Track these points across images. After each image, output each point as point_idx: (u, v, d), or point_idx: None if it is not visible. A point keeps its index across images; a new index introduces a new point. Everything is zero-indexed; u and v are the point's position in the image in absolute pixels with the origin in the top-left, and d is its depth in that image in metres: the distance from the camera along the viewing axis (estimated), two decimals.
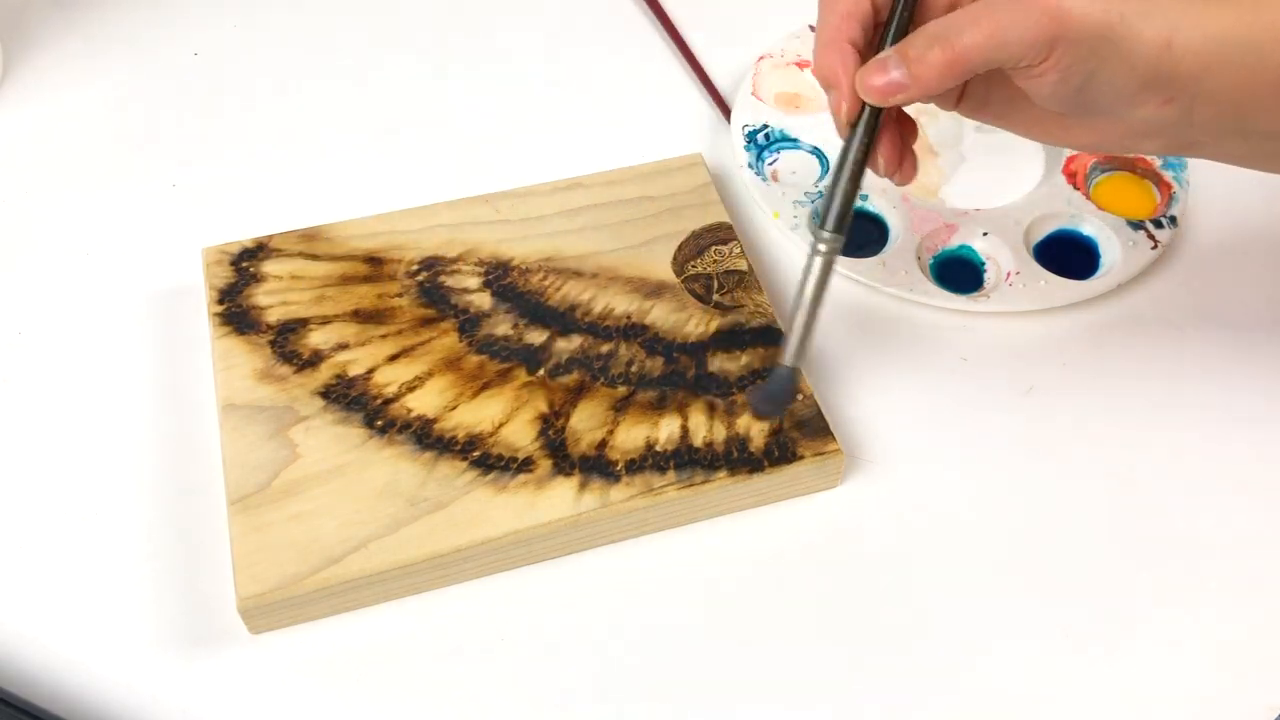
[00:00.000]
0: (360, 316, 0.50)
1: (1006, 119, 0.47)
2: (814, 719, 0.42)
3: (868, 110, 0.44)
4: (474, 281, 0.52)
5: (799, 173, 0.58)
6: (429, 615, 0.45)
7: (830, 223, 0.45)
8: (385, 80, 0.64)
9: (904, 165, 0.46)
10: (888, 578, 0.46)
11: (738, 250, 0.53)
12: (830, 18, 0.44)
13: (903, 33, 0.44)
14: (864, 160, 0.44)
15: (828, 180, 0.44)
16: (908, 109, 0.46)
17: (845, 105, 0.43)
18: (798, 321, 0.45)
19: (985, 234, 0.55)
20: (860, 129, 0.44)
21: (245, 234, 0.53)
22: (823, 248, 0.45)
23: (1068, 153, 0.58)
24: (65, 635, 0.44)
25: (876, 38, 0.45)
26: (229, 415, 0.47)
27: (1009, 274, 0.54)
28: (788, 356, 0.46)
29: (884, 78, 0.42)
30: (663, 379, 0.48)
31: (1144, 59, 0.41)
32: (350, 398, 0.48)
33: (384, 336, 0.50)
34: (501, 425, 0.47)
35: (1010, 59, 0.41)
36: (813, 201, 0.56)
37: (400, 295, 0.51)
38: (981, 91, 0.47)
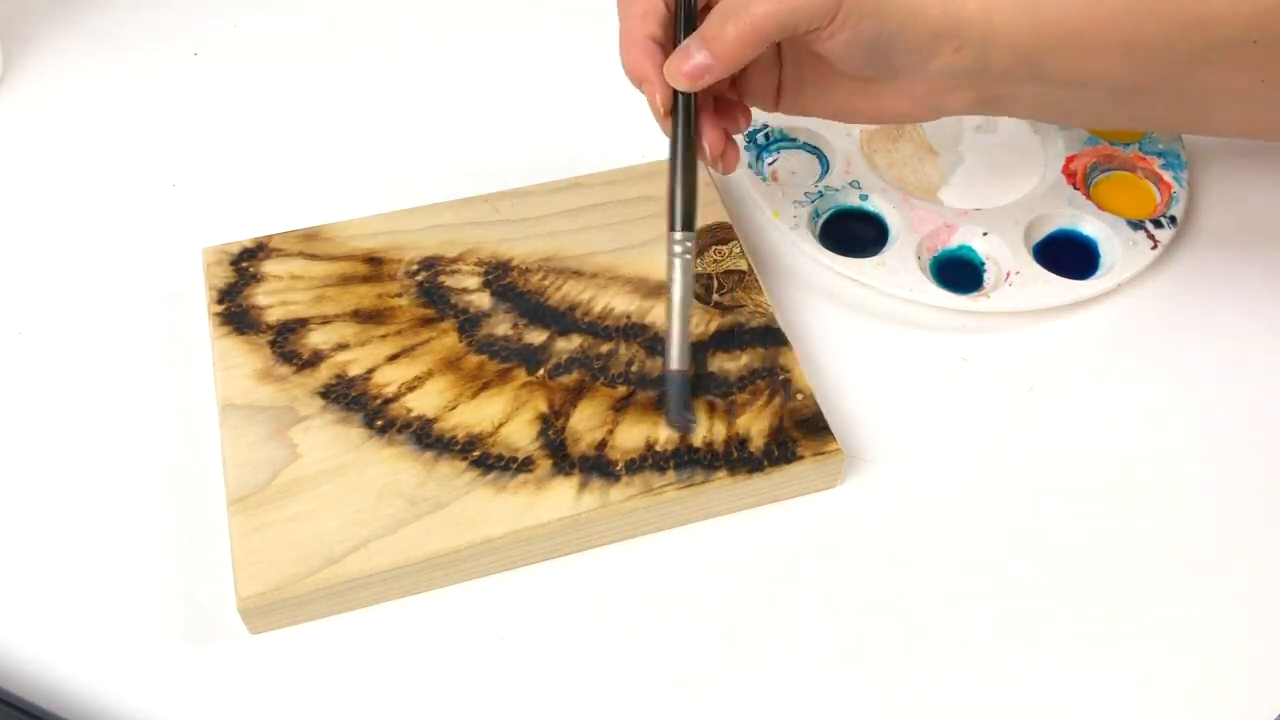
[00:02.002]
0: (360, 316, 0.50)
1: (822, 104, 0.50)
2: (814, 718, 0.42)
3: (681, 98, 0.46)
4: (474, 281, 0.52)
5: (799, 173, 0.58)
6: (429, 615, 0.45)
7: (679, 222, 0.46)
8: (385, 80, 0.64)
9: (726, 152, 0.48)
10: (888, 578, 0.46)
11: (738, 250, 0.53)
12: (629, 20, 0.46)
13: (691, 20, 0.46)
14: (691, 149, 0.46)
15: (668, 182, 0.47)
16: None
17: (660, 96, 0.46)
18: (676, 326, 0.46)
19: (985, 234, 0.55)
20: (680, 119, 0.46)
21: (245, 234, 0.53)
22: (678, 249, 0.46)
23: (1068, 152, 0.58)
24: (65, 635, 0.44)
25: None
26: (229, 415, 0.47)
27: (1009, 274, 0.54)
28: (674, 362, 0.46)
29: (689, 63, 0.44)
30: (663, 379, 0.48)
31: (928, 8, 0.43)
32: (350, 398, 0.48)
33: (384, 336, 0.50)
34: (501, 425, 0.47)
35: (801, 23, 0.43)
36: (813, 201, 0.56)
37: (400, 295, 0.51)
38: (795, 83, 0.49)
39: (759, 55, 0.45)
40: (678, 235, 0.46)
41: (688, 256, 0.46)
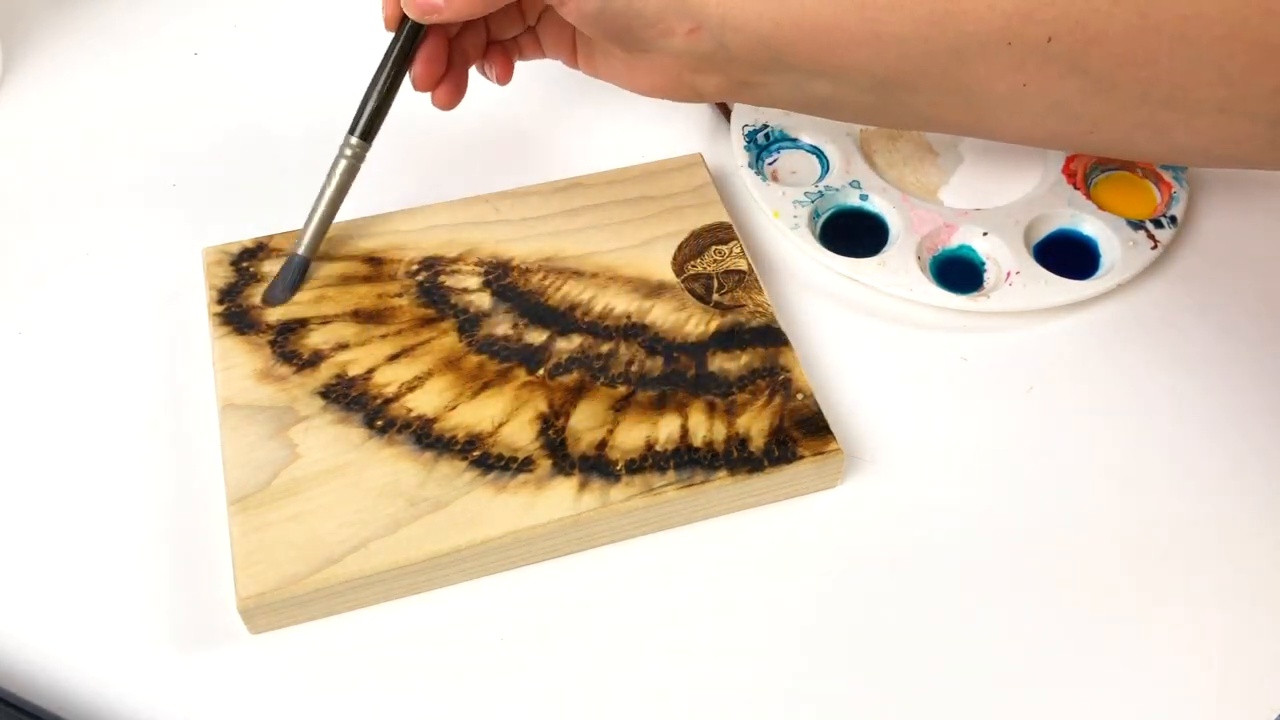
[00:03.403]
0: (360, 316, 0.50)
1: (607, 71, 0.51)
2: (813, 718, 0.42)
3: (409, 25, 0.48)
4: (474, 281, 0.52)
5: (799, 173, 0.58)
6: (429, 615, 0.45)
7: (359, 129, 0.50)
8: None
9: (444, 84, 0.50)
10: (888, 578, 0.46)
11: (738, 250, 0.53)
12: None
13: None
14: (397, 71, 0.49)
15: (365, 89, 0.50)
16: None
17: (387, 11, 0.48)
18: (317, 216, 0.50)
19: (985, 234, 0.55)
20: (400, 40, 0.49)
21: (245, 234, 0.53)
22: (349, 153, 0.50)
23: (1068, 152, 0.58)
24: (65, 635, 0.44)
25: None
26: (229, 415, 0.47)
27: (1009, 274, 0.54)
28: (303, 248, 0.50)
29: None
30: (663, 379, 0.48)
31: None
32: (350, 398, 0.48)
33: (384, 336, 0.50)
34: (501, 425, 0.47)
35: None
36: (813, 201, 0.56)
37: (400, 295, 0.51)
38: (586, 45, 0.51)
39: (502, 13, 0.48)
40: (353, 140, 0.50)
41: (356, 163, 0.50)
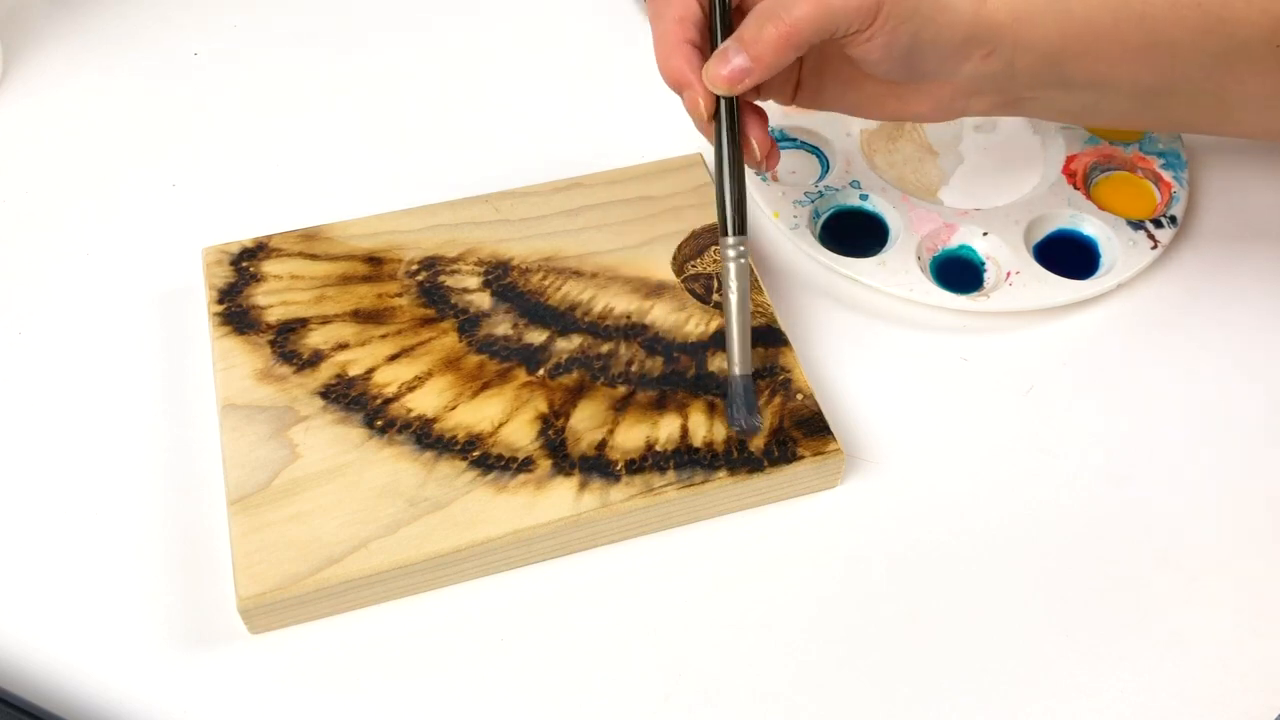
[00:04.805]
0: (360, 316, 0.50)
1: (843, 101, 0.49)
2: (813, 718, 0.42)
3: (723, 103, 0.46)
4: (474, 281, 0.52)
5: (799, 173, 0.58)
6: (429, 615, 0.45)
7: (731, 227, 0.46)
8: (385, 80, 0.64)
9: (772, 150, 0.48)
10: (888, 578, 0.46)
11: None
12: (664, 24, 0.46)
13: (727, 24, 0.46)
14: (737, 152, 0.46)
15: (715, 187, 0.47)
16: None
17: (702, 101, 0.45)
18: (736, 329, 0.46)
19: (985, 234, 0.55)
20: (723, 124, 0.46)
21: (245, 234, 0.53)
22: (732, 253, 0.46)
23: (1068, 152, 0.58)
24: (65, 635, 0.44)
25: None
26: (229, 415, 0.47)
27: (1009, 274, 0.54)
28: (736, 366, 0.46)
29: (728, 66, 0.44)
30: (663, 379, 0.48)
31: (961, 14, 0.44)
32: (350, 398, 0.48)
33: (384, 336, 0.50)
34: (501, 425, 0.47)
35: (839, 26, 0.43)
36: (813, 201, 0.56)
37: (400, 295, 0.51)
38: (815, 81, 0.49)
39: None
40: (730, 240, 0.46)
41: (742, 261, 0.46)
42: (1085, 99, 0.48)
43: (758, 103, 0.49)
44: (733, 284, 0.46)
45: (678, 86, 0.46)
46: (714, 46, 0.46)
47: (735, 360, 0.46)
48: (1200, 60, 0.45)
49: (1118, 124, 0.51)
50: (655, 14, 0.47)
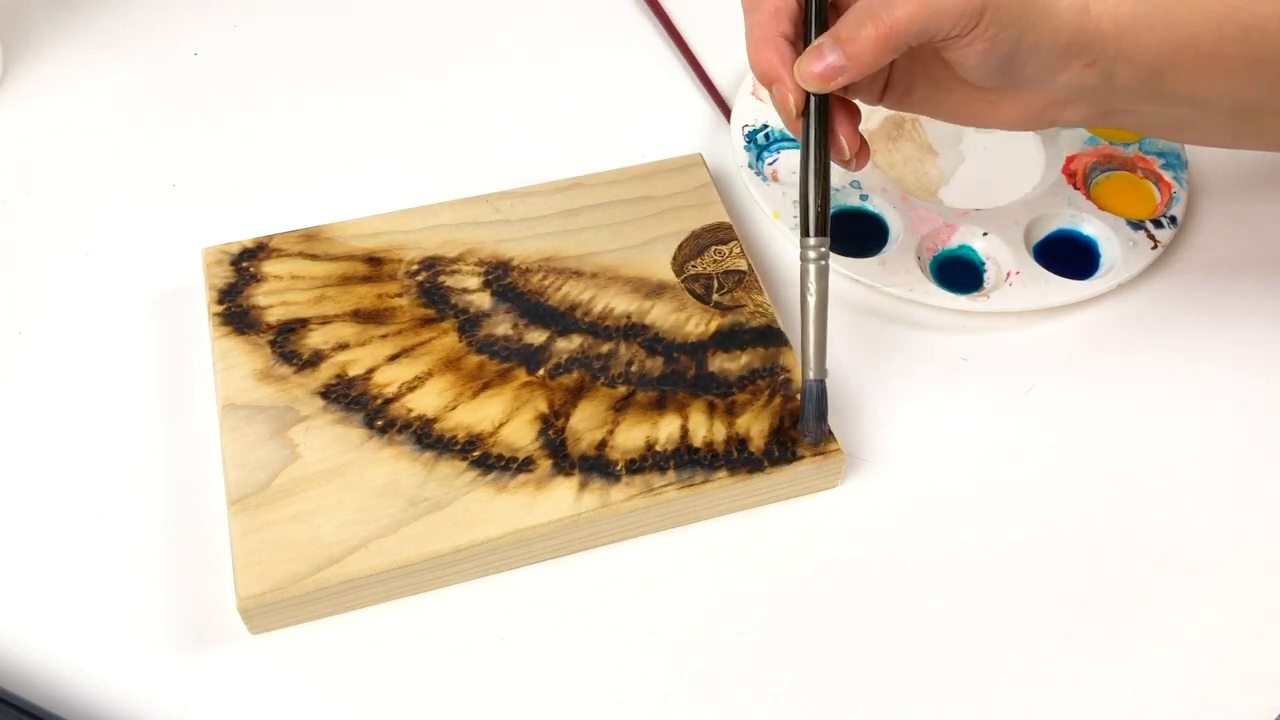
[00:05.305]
0: (360, 316, 0.50)
1: (932, 104, 0.48)
2: (813, 718, 0.42)
3: (813, 100, 0.45)
4: (474, 281, 0.52)
5: (799, 172, 0.58)
6: (429, 615, 0.45)
7: (812, 227, 0.45)
8: (385, 80, 0.64)
9: (862, 147, 0.47)
10: (888, 578, 0.46)
11: (738, 250, 0.53)
12: (758, 16, 0.45)
13: (822, 20, 0.45)
14: (825, 151, 0.45)
15: (799, 185, 0.45)
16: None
17: (792, 96, 0.44)
18: (812, 333, 0.45)
19: (985, 234, 0.55)
20: (812, 120, 0.45)
21: (245, 234, 0.53)
22: (813, 254, 0.45)
23: (1068, 152, 0.58)
24: (65, 635, 0.44)
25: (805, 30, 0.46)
26: (229, 415, 0.47)
27: (1009, 274, 0.54)
28: (811, 370, 0.45)
29: (821, 63, 0.43)
30: (663, 379, 0.48)
31: (1065, 22, 0.42)
32: (350, 398, 0.48)
33: (384, 336, 0.50)
34: (501, 425, 0.47)
35: (941, 29, 0.42)
36: None
37: (400, 295, 0.51)
38: (905, 81, 0.48)
39: None
40: (811, 241, 0.45)
41: (823, 262, 0.45)
42: (1181, 114, 0.47)
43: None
44: (812, 286, 0.45)
45: (767, 80, 0.45)
46: (808, 42, 0.45)
47: (810, 364, 0.45)
48: None
49: (1211, 141, 0.50)
50: (750, 6, 0.45)
